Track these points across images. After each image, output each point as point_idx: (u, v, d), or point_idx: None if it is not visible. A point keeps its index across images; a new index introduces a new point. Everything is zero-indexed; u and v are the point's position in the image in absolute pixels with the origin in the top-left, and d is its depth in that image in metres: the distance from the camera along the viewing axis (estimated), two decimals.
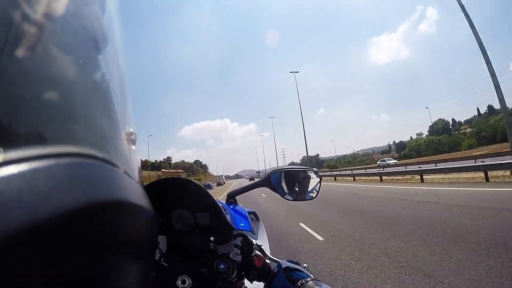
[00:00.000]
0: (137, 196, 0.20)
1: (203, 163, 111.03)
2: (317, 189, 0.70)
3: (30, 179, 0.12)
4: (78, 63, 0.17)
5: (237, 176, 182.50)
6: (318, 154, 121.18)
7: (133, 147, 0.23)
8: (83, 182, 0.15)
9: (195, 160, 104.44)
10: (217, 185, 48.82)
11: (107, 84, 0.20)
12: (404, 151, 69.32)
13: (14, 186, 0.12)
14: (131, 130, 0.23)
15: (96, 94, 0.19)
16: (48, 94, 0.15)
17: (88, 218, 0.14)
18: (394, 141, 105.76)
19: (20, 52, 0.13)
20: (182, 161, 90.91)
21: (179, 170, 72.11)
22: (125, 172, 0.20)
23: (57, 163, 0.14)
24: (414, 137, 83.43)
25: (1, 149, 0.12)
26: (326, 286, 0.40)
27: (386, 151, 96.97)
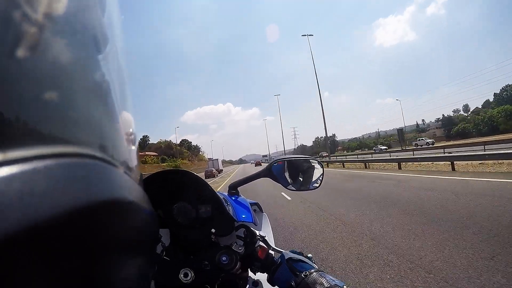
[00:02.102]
0: (137, 195, 0.21)
1: (193, 144, 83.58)
2: (321, 179, 0.72)
3: (30, 179, 0.12)
4: (78, 63, 0.17)
5: (240, 161, 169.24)
6: (334, 135, 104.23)
7: (133, 147, 0.23)
8: (83, 182, 0.15)
9: (182, 140, 77.41)
10: (206, 177, 25.77)
11: (107, 84, 0.20)
12: (457, 127, 50.41)
13: (14, 186, 0.12)
14: (131, 130, 0.24)
15: (96, 94, 0.19)
16: (48, 94, 0.15)
17: (88, 218, 0.15)
18: (423, 120, 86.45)
19: (20, 52, 0.13)
20: (160, 140, 66.77)
21: (147, 153, 51.60)
22: (125, 172, 0.20)
23: (57, 163, 0.14)
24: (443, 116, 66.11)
25: (1, 149, 0.12)
26: (330, 277, 0.41)
27: (420, 130, 78.09)
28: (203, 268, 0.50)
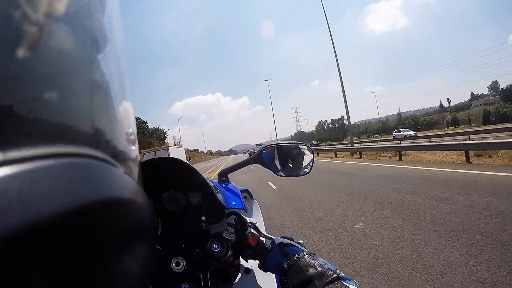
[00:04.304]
0: (137, 196, 0.22)
1: (149, 126, 52.54)
2: (311, 165, 0.75)
3: (30, 179, 0.13)
4: (78, 63, 0.18)
5: (231, 152, 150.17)
6: (343, 117, 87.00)
7: (133, 147, 0.24)
8: (83, 182, 0.15)
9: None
10: None
11: (107, 84, 0.21)
12: None
13: (14, 186, 0.12)
14: (131, 130, 0.24)
15: (96, 94, 0.20)
16: (48, 94, 0.15)
17: (88, 218, 0.15)
18: (448, 99, 70.88)
19: (20, 52, 0.14)
20: None
21: None
22: (125, 172, 0.21)
23: (57, 163, 0.14)
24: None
25: (1, 149, 0.13)
26: (322, 260, 0.44)
27: (458, 109, 61.87)
28: (194, 256, 0.52)
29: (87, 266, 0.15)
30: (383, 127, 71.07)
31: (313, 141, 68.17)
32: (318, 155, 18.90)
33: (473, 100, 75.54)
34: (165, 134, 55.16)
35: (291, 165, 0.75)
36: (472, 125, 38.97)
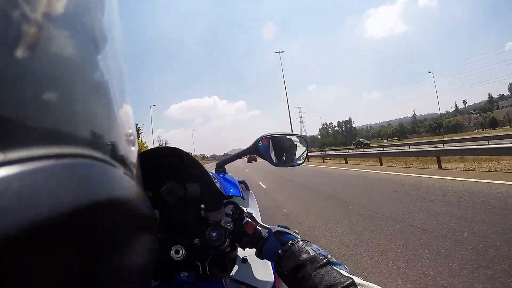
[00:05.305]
0: (137, 196, 0.22)
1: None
2: (304, 157, 0.80)
3: (30, 179, 0.13)
4: (78, 63, 0.18)
5: (226, 156, 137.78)
6: (350, 119, 79.07)
7: (132, 148, 0.25)
8: (83, 183, 0.16)
9: None
10: None
11: (107, 84, 0.21)
12: None
13: (14, 187, 0.12)
14: (131, 131, 0.25)
15: (96, 94, 0.20)
16: (48, 94, 0.15)
17: (88, 218, 0.16)
18: (464, 101, 65.35)
19: (20, 52, 0.14)
20: None
21: None
22: (125, 173, 0.22)
23: (57, 164, 0.15)
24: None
25: (1, 149, 0.13)
26: (315, 246, 0.47)
27: (486, 109, 55.47)
28: (193, 244, 0.53)
29: (87, 266, 0.16)
30: (400, 130, 64.61)
31: (360, 139, 58.20)
32: (381, 164, 9.94)
33: (498, 101, 75.47)
34: (138, 130, 40.47)
35: (284, 157, 0.79)
36: None
